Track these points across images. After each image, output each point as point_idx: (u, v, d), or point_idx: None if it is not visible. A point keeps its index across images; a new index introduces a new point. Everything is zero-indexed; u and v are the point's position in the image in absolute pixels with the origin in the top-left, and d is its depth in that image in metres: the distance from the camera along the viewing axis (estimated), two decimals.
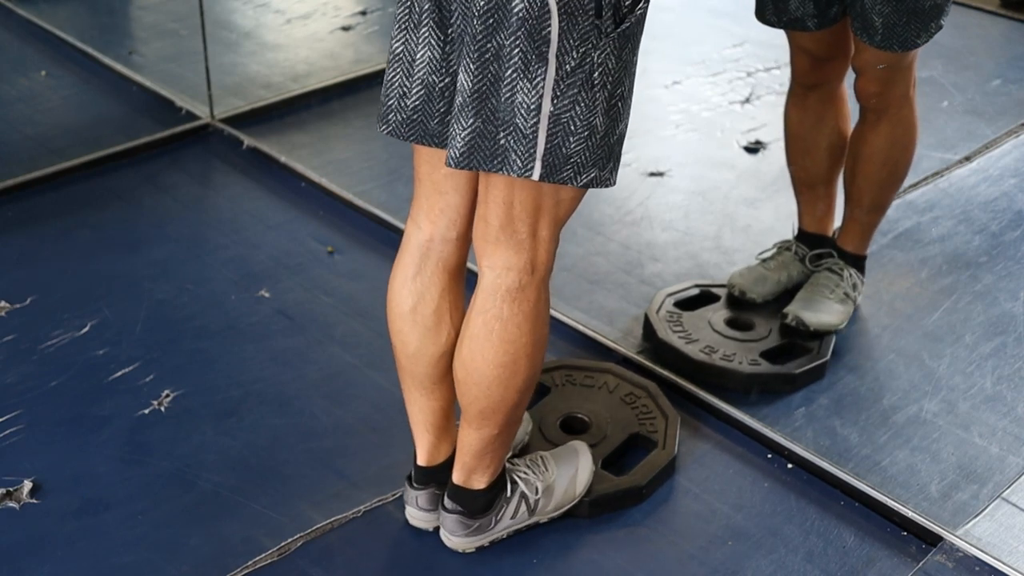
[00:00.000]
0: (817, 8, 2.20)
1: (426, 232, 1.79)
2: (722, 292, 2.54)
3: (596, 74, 1.56)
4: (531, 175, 1.60)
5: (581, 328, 2.45)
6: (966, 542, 1.96)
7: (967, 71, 3.71)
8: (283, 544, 1.94)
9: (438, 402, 1.88)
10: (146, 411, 2.23)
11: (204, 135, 3.26)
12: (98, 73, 3.60)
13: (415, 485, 1.95)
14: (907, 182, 3.01)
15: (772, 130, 3.25)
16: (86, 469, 2.09)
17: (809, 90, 2.40)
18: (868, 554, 1.96)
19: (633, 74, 1.64)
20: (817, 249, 2.52)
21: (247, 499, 2.03)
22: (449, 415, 1.92)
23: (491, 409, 1.78)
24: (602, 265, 2.72)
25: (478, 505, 1.90)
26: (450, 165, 1.62)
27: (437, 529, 1.95)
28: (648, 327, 2.44)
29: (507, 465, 1.94)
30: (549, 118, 1.56)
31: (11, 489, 2.03)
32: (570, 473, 1.98)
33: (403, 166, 3.14)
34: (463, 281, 1.85)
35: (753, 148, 3.25)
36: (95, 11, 4.31)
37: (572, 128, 1.58)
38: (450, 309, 1.82)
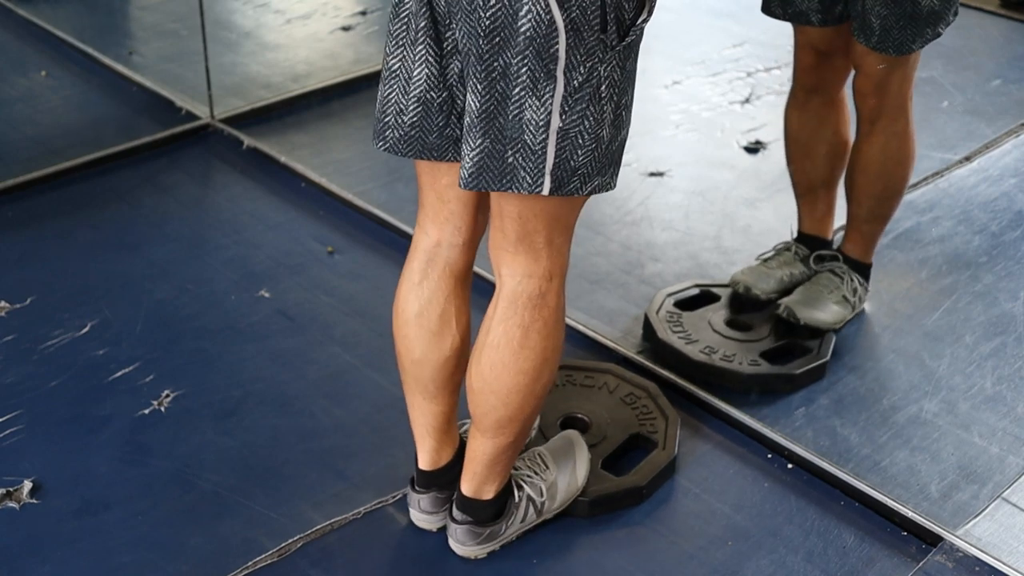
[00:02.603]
0: (822, 5, 2.20)
1: (433, 237, 1.79)
2: (722, 292, 2.53)
3: (603, 87, 1.55)
4: (541, 191, 1.59)
5: (581, 328, 2.45)
6: (966, 542, 1.96)
7: (967, 71, 3.71)
8: (283, 545, 1.94)
9: (441, 407, 1.88)
10: (146, 411, 2.22)
11: (204, 135, 3.26)
12: (98, 73, 3.60)
13: (417, 489, 1.94)
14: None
15: (772, 130, 3.25)
16: (86, 469, 2.09)
17: (810, 94, 2.40)
18: (868, 554, 1.96)
19: (634, 82, 1.64)
20: (818, 251, 2.52)
21: (247, 499, 2.03)
22: (452, 419, 1.91)
23: (508, 418, 1.77)
24: (602, 265, 2.72)
25: (488, 514, 1.89)
26: (461, 186, 1.62)
27: (441, 529, 1.95)
28: (648, 327, 2.43)
29: (511, 470, 1.94)
30: (557, 133, 1.56)
31: (11, 489, 2.03)
32: (569, 467, 1.99)
33: (403, 166, 3.14)
34: (469, 287, 1.84)
35: (753, 148, 3.25)
36: (95, 11, 4.31)
37: (580, 142, 1.57)
38: (456, 314, 1.81)
